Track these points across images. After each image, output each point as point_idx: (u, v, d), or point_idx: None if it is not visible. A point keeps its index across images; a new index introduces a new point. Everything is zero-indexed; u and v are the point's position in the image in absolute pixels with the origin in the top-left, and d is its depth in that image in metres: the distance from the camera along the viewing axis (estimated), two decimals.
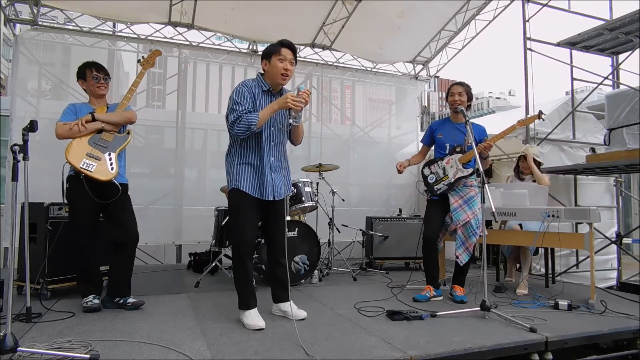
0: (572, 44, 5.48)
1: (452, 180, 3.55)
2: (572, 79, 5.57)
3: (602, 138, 5.32)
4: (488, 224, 4.27)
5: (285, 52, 2.84)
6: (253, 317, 2.77)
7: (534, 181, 4.28)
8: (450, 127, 3.70)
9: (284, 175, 2.95)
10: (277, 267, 3.00)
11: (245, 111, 2.71)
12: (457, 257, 3.56)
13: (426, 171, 3.75)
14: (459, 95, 3.57)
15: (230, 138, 2.90)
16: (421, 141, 4.02)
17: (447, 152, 3.66)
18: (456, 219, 3.52)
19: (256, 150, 2.84)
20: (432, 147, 3.85)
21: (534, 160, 4.31)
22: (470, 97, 3.62)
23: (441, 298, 3.60)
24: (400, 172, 3.74)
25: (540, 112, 3.46)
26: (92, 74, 3.19)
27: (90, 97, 3.26)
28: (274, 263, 3.03)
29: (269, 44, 2.96)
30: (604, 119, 5.30)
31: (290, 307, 2.88)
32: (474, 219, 3.49)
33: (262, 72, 2.92)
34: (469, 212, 3.50)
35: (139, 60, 3.41)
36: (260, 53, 6.44)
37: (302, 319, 2.90)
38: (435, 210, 3.68)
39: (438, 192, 3.63)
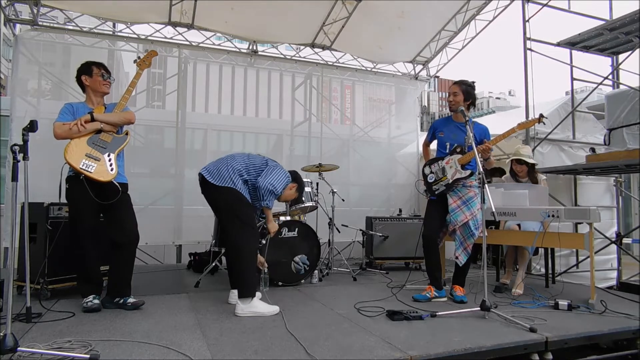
0: (572, 44, 5.48)
1: (450, 181, 3.54)
2: (572, 79, 5.58)
3: (602, 138, 5.32)
4: (491, 224, 4.23)
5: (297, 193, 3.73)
6: (267, 305, 3.05)
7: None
8: (452, 126, 3.69)
9: None
10: None
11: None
12: (456, 257, 3.56)
13: (426, 170, 3.74)
14: (453, 95, 3.56)
15: (249, 184, 3.33)
16: (424, 142, 4.02)
17: (447, 151, 3.65)
18: (454, 219, 3.51)
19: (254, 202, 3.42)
20: (433, 147, 3.86)
21: (527, 162, 4.24)
22: (468, 96, 3.56)
23: (444, 299, 3.58)
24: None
25: (541, 116, 3.41)
26: (100, 71, 3.20)
27: (88, 96, 3.25)
28: None
29: (303, 181, 3.87)
30: (604, 119, 5.31)
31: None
32: (472, 220, 3.47)
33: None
34: (467, 212, 3.49)
35: (135, 61, 3.42)
36: (260, 53, 6.51)
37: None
38: (435, 210, 3.68)
39: (436, 193, 3.63)
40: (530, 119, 3.80)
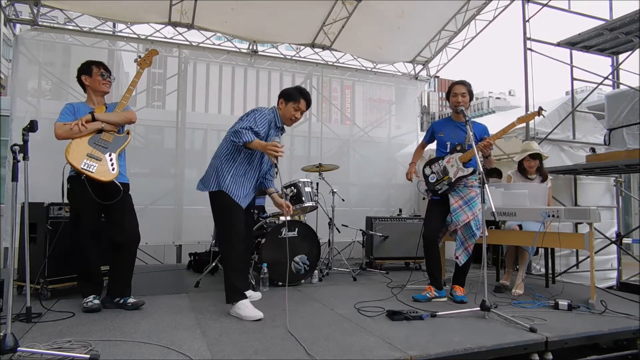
0: (572, 44, 5.48)
1: (453, 179, 3.55)
2: (572, 79, 5.57)
3: (602, 138, 5.32)
4: (492, 224, 4.23)
5: (303, 104, 3.23)
6: (250, 309, 2.93)
7: (543, 181, 4.25)
8: (452, 126, 3.70)
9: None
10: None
11: (249, 129, 2.98)
12: (456, 257, 3.56)
13: (427, 170, 3.74)
14: (462, 96, 3.57)
15: (229, 145, 3.13)
16: (421, 143, 4.07)
17: (448, 150, 3.65)
18: (456, 219, 3.52)
19: (255, 171, 3.20)
20: (434, 147, 3.86)
21: (541, 156, 4.23)
22: (472, 96, 3.64)
23: (444, 299, 3.58)
24: (410, 179, 3.86)
25: (541, 109, 3.45)
26: (99, 71, 3.19)
27: (88, 96, 3.25)
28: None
29: (291, 88, 3.34)
30: (604, 119, 5.31)
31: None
32: (473, 220, 3.48)
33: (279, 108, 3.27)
34: (469, 213, 3.49)
35: (135, 60, 3.42)
36: (260, 53, 6.51)
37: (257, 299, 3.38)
38: (436, 211, 3.68)
39: (439, 192, 3.62)
40: (529, 112, 3.81)
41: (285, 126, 3.32)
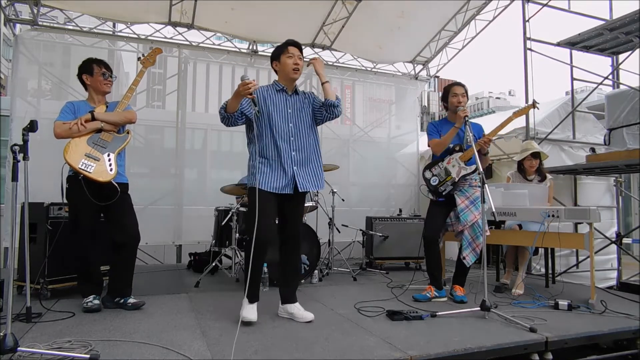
0: (572, 44, 5.49)
1: (457, 178, 3.55)
2: (572, 79, 5.58)
3: (602, 138, 5.32)
4: (491, 224, 4.23)
5: (292, 49, 3.13)
6: (247, 309, 2.84)
7: (541, 181, 4.25)
8: (449, 127, 3.68)
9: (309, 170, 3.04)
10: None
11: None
12: (463, 257, 3.52)
13: (427, 174, 3.73)
14: (462, 96, 3.59)
15: (247, 142, 3.09)
16: (432, 137, 3.82)
17: (447, 152, 3.66)
18: (464, 219, 3.50)
19: (272, 146, 2.97)
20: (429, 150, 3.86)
21: (540, 154, 4.24)
22: (467, 98, 3.69)
23: (444, 299, 3.58)
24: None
25: (535, 102, 3.49)
26: (101, 70, 3.17)
27: (89, 95, 3.24)
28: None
29: (275, 46, 3.26)
30: (604, 119, 5.31)
31: (296, 309, 2.96)
32: (481, 219, 3.47)
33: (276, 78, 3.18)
34: (475, 212, 3.48)
35: (139, 58, 3.38)
36: (260, 53, 6.51)
37: (309, 321, 2.88)
38: (437, 211, 3.68)
39: (444, 193, 3.62)
40: (524, 106, 3.82)
41: (296, 84, 3.16)
